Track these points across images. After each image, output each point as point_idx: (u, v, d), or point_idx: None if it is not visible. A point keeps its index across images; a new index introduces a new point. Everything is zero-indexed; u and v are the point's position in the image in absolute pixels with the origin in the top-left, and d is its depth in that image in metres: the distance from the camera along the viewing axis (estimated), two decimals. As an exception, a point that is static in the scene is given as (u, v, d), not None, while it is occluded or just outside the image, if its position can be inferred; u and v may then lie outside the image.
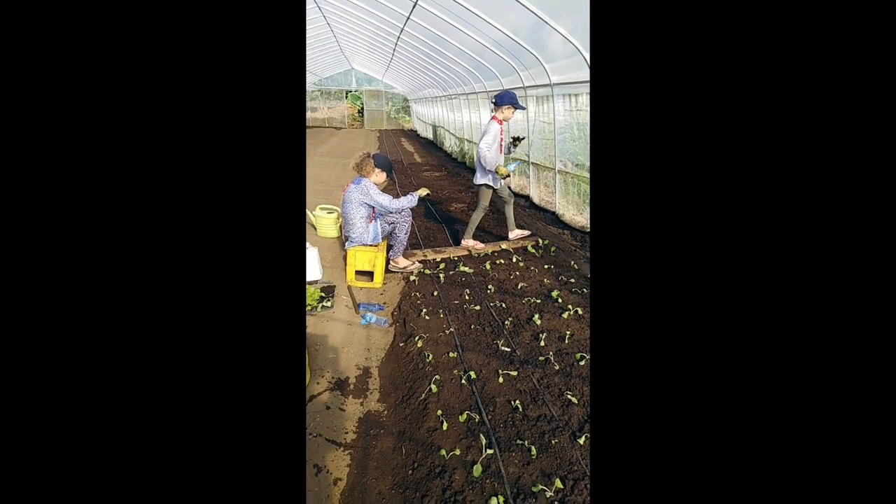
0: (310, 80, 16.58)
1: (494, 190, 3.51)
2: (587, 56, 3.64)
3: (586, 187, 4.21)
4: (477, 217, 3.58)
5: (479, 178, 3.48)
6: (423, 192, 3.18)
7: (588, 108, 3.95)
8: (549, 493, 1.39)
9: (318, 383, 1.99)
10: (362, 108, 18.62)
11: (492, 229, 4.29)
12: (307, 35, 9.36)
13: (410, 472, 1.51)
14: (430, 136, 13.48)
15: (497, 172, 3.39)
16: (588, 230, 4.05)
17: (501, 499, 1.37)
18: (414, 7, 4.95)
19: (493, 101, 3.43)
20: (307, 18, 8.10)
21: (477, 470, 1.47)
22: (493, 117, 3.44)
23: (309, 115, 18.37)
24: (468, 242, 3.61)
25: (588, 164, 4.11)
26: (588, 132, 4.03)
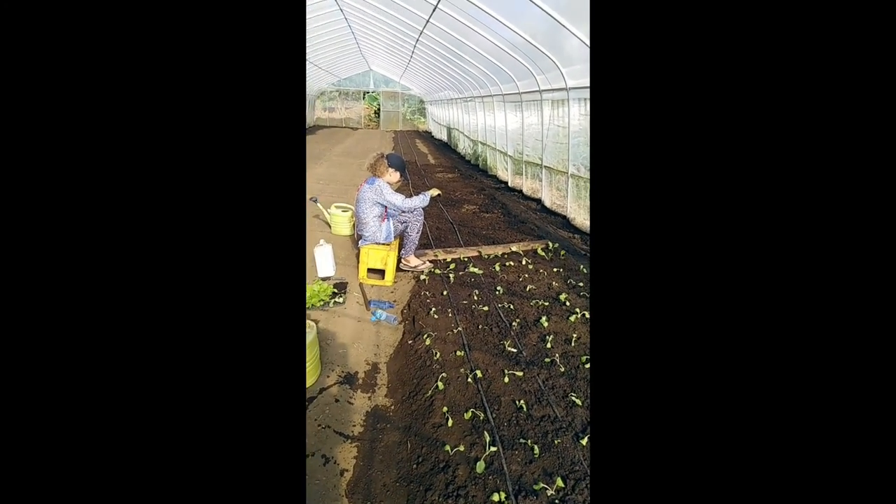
0: (328, 80, 16.83)
1: None
2: (603, 61, 3.63)
3: (599, 192, 4.20)
4: None
5: None
6: (435, 192, 3.22)
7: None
8: (550, 492, 1.41)
9: (328, 377, 2.04)
10: (379, 109, 18.80)
11: (494, 235, 4.31)
12: (327, 36, 9.52)
13: (415, 466, 1.54)
14: (444, 137, 13.54)
15: None
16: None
17: (503, 495, 1.39)
18: (434, 10, 5.00)
19: None
20: (329, 20, 8.24)
21: (480, 466, 1.50)
22: None
23: (326, 115, 18.62)
24: None
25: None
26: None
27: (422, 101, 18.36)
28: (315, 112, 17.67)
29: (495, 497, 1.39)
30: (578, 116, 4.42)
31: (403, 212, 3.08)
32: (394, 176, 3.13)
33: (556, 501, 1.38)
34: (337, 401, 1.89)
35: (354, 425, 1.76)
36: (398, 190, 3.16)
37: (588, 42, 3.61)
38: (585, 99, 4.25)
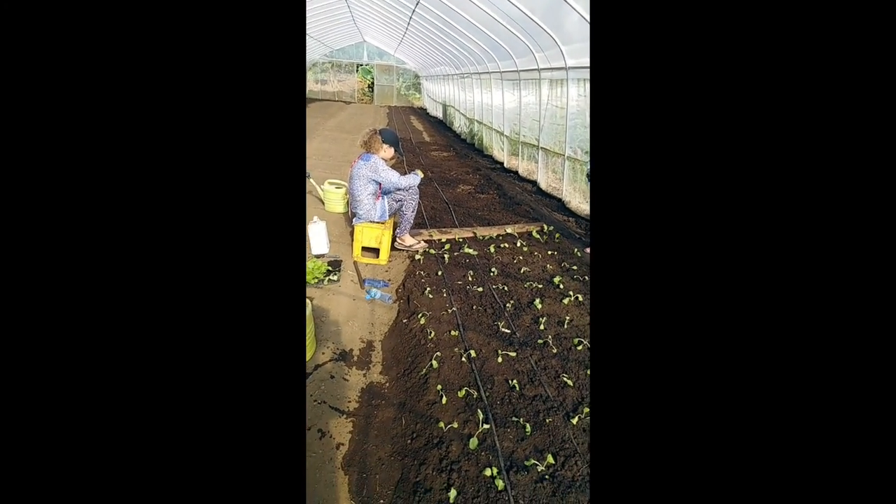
0: (321, 51, 16.25)
1: None
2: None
3: (595, 175, 4.19)
4: None
5: None
6: (420, 173, 3.16)
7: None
8: (540, 468, 1.45)
9: (323, 353, 2.06)
10: (373, 83, 18.29)
11: (489, 216, 4.30)
12: (318, 2, 9.13)
13: (409, 441, 1.58)
14: (439, 115, 13.29)
15: None
16: (594, 218, 4.05)
17: (495, 470, 1.43)
18: (431, -20, 4.81)
19: None
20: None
21: (473, 443, 1.53)
22: None
23: (318, 87, 18.07)
24: None
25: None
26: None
27: (417, 76, 17.90)
28: (307, 85, 17.14)
29: (487, 472, 1.43)
30: (577, 97, 4.36)
31: (399, 189, 3.04)
32: (388, 152, 3.08)
33: (546, 476, 1.43)
34: (332, 377, 1.91)
35: (350, 401, 1.78)
36: (393, 167, 3.12)
37: (588, 18, 3.52)
38: (584, 79, 4.18)
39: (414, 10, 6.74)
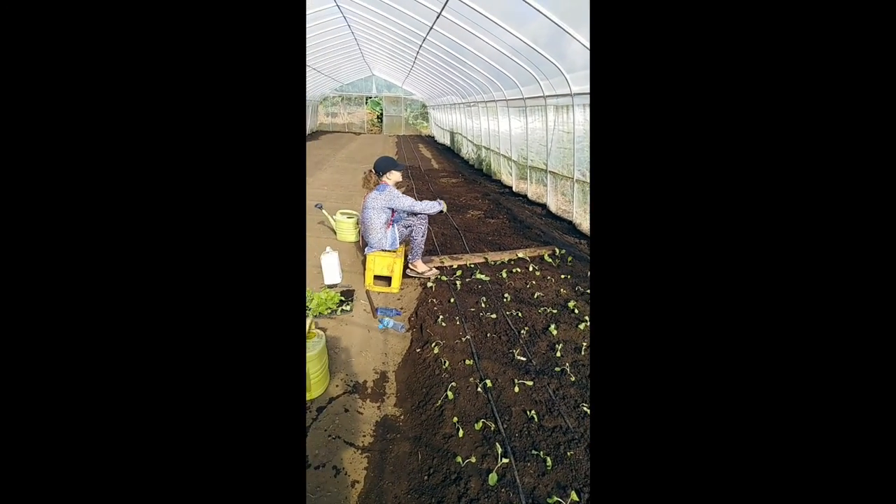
0: (331, 86, 16.93)
1: None
2: (608, 66, 3.64)
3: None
4: None
5: None
6: (444, 204, 3.18)
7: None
8: (564, 506, 1.39)
9: (336, 386, 2.03)
10: (381, 114, 18.88)
11: (500, 240, 4.30)
12: (330, 43, 9.58)
13: (426, 477, 1.53)
14: (447, 142, 13.57)
15: None
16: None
17: (516, 508, 1.37)
18: (438, 17, 5.03)
19: None
20: (332, 27, 8.30)
21: (492, 478, 1.48)
22: None
23: (329, 120, 18.71)
24: None
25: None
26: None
27: (424, 106, 18.42)
28: (318, 117, 17.75)
29: (509, 510, 1.37)
30: (583, 122, 4.42)
31: (415, 214, 3.07)
32: (395, 175, 3.11)
33: (571, 515, 1.36)
34: (346, 410, 1.88)
35: (364, 435, 1.75)
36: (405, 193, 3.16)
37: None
38: (589, 105, 4.26)
39: (421, 45, 7.02)
